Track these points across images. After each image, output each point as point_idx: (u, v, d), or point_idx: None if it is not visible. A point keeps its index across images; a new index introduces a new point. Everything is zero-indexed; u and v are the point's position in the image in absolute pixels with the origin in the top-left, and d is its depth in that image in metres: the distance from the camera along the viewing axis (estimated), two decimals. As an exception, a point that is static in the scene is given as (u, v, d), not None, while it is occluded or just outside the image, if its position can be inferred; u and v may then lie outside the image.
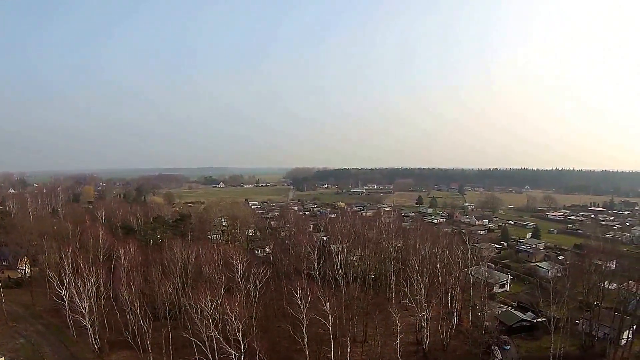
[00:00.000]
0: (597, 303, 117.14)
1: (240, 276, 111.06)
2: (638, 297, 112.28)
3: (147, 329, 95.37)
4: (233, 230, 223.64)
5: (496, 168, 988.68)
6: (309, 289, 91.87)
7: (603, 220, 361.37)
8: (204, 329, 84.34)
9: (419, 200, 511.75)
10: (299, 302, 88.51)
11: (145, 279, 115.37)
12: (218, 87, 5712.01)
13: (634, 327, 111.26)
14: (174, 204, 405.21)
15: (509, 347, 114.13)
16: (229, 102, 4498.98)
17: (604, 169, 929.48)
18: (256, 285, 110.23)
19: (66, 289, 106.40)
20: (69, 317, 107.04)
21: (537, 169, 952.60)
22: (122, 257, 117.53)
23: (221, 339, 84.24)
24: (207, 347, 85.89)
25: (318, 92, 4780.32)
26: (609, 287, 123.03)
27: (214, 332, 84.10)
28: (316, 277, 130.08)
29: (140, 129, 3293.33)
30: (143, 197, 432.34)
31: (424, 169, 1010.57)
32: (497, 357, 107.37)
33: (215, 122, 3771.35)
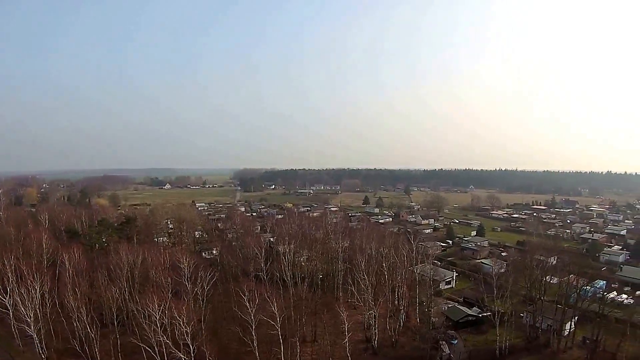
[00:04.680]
0: (540, 297, 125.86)
1: (187, 279, 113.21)
2: (578, 290, 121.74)
3: (94, 336, 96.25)
4: (180, 233, 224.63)
5: (442, 169, 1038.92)
6: (257, 291, 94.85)
7: (545, 218, 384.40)
8: (152, 334, 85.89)
9: (366, 201, 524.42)
10: (247, 304, 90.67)
11: (91, 284, 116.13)
12: (161, 89, 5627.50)
13: (576, 318, 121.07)
14: (119, 206, 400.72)
15: (456, 341, 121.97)
16: (173, 103, 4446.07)
17: (545, 170, 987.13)
18: (204, 288, 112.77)
19: (10, 297, 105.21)
20: (14, 327, 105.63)
21: (482, 170, 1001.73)
22: (67, 262, 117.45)
23: (170, 343, 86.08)
24: (157, 352, 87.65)
25: (256, 94, 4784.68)
26: (551, 282, 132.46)
27: (163, 336, 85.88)
28: (264, 279, 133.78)
29: (85, 129, 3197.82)
30: (88, 200, 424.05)
31: (370, 169, 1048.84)
32: (444, 352, 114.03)
33: (161, 123, 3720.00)
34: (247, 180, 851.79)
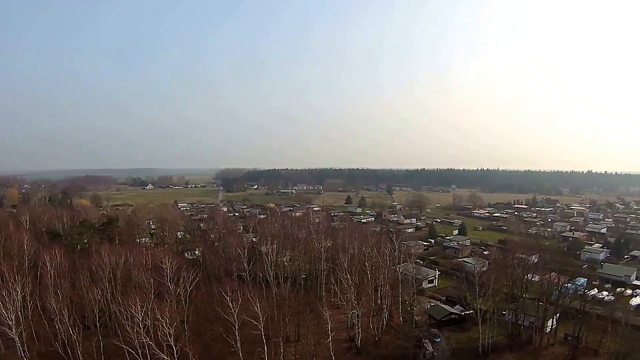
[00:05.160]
0: (521, 294, 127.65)
1: (170, 280, 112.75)
2: (560, 288, 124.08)
3: (77, 338, 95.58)
4: (162, 233, 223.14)
5: (424, 168, 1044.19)
6: (240, 291, 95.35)
7: (526, 217, 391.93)
8: (135, 336, 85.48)
9: (348, 200, 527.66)
10: (230, 305, 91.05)
11: (73, 285, 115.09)
12: (142, 90, 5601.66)
13: (557, 315, 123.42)
14: (101, 206, 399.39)
15: (439, 339, 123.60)
16: (159, 102, 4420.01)
17: (526, 169, 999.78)
18: (186, 288, 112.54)
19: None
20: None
21: (464, 169, 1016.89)
22: (49, 264, 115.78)
23: (153, 345, 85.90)
24: (140, 354, 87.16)
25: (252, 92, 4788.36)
26: (533, 279, 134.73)
27: (146, 338, 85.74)
28: (247, 279, 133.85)
29: (66, 130, 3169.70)
30: (69, 200, 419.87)
31: (353, 169, 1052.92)
32: (428, 350, 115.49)
33: (143, 122, 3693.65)
34: (230, 180, 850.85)
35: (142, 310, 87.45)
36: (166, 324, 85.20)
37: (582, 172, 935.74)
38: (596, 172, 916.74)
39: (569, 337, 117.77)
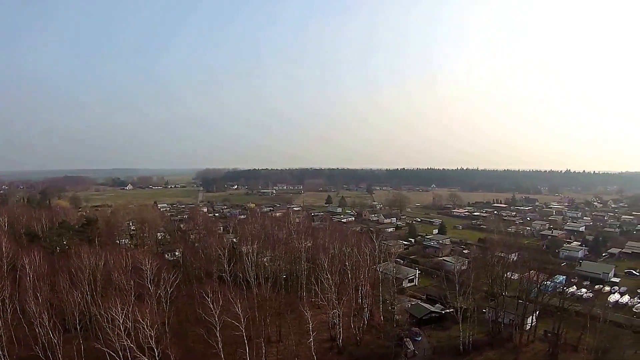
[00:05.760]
0: (501, 292, 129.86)
1: (150, 282, 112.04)
2: (539, 285, 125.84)
3: (57, 341, 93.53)
4: (142, 234, 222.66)
5: (404, 168, 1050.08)
6: (221, 292, 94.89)
7: (505, 216, 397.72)
8: (116, 339, 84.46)
9: (329, 200, 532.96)
10: (211, 306, 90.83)
11: (53, 288, 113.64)
12: (125, 86, 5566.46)
13: (537, 312, 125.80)
14: (80, 207, 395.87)
15: (420, 338, 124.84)
16: (135, 101, 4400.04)
17: (505, 169, 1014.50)
18: (167, 290, 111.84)
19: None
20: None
21: (444, 169, 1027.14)
22: (28, 267, 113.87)
23: (134, 347, 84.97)
24: (121, 356, 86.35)
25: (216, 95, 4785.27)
26: (512, 277, 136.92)
27: (127, 340, 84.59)
28: (227, 280, 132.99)
29: (45, 130, 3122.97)
30: (48, 201, 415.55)
31: (333, 169, 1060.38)
32: (409, 349, 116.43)
33: (122, 121, 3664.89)
34: (210, 181, 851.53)
35: (122, 313, 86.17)
36: (147, 326, 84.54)
37: (561, 171, 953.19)
38: (574, 172, 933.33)
39: (549, 334, 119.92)
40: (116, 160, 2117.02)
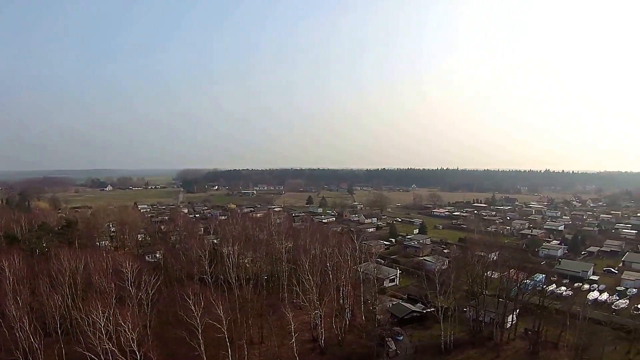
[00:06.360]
0: (482, 291, 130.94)
1: (131, 284, 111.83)
2: (519, 284, 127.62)
3: (38, 346, 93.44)
4: (122, 236, 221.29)
5: (384, 168, 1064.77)
6: (202, 294, 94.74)
7: (485, 216, 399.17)
8: (97, 342, 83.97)
9: (309, 201, 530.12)
10: (193, 308, 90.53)
11: (33, 291, 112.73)
12: (97, 89, 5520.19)
13: (517, 310, 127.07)
14: (60, 209, 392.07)
15: (401, 337, 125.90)
16: (116, 102, 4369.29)
17: (485, 169, 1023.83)
18: (148, 292, 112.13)
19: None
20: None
21: (424, 169, 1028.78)
22: (7, 270, 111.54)
23: (116, 351, 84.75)
24: None
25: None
26: (492, 276, 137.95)
27: (109, 344, 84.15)
28: (209, 281, 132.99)
29: (22, 130, 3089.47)
30: (27, 203, 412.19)
31: (314, 169, 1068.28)
32: (391, 348, 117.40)
33: (101, 121, 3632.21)
34: (190, 181, 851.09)
35: (103, 316, 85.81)
36: (129, 329, 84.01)
37: (540, 171, 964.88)
38: (554, 171, 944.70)
39: (529, 332, 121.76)
40: (96, 161, 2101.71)
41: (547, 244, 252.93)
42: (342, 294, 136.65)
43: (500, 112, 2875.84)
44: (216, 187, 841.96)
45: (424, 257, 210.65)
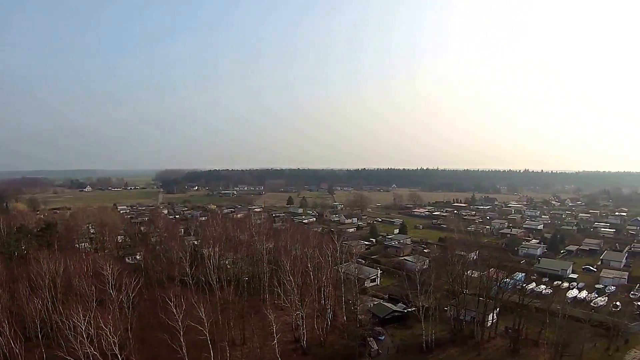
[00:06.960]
0: (462, 290, 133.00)
1: (111, 287, 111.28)
2: (499, 283, 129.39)
3: (19, 351, 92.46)
4: (102, 238, 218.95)
5: (364, 168, 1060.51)
6: (183, 296, 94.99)
7: (465, 215, 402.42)
8: (79, 346, 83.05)
9: (290, 201, 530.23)
10: (174, 310, 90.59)
11: (12, 295, 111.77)
12: (80, 87, 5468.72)
13: (497, 309, 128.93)
14: (38, 211, 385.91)
15: (383, 337, 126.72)
16: (92, 101, 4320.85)
17: (465, 168, 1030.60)
18: (129, 295, 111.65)
19: None
20: None
21: (404, 169, 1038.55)
22: None
23: (98, 354, 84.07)
24: None
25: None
26: (472, 276, 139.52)
27: (90, 348, 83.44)
28: (190, 283, 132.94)
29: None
30: (5, 204, 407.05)
31: (294, 169, 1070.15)
32: (372, 348, 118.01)
33: (80, 122, 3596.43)
34: (170, 182, 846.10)
35: (84, 320, 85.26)
36: (110, 332, 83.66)
37: (519, 171, 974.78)
38: (532, 171, 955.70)
39: (510, 330, 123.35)
40: (74, 161, 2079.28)
41: (527, 243, 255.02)
42: (324, 294, 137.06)
43: (493, 113, 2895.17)
44: (196, 187, 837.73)
45: (405, 257, 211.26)
